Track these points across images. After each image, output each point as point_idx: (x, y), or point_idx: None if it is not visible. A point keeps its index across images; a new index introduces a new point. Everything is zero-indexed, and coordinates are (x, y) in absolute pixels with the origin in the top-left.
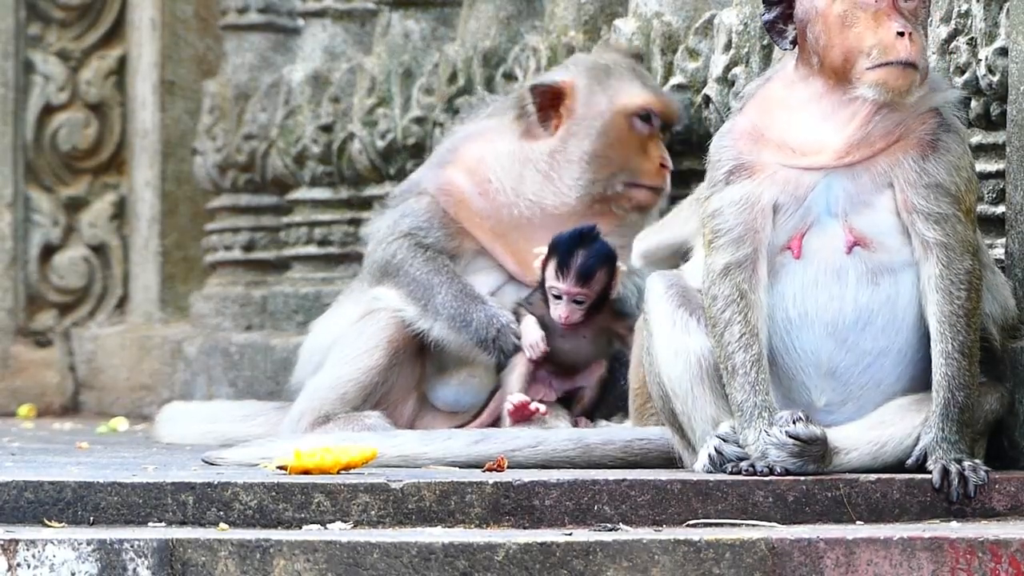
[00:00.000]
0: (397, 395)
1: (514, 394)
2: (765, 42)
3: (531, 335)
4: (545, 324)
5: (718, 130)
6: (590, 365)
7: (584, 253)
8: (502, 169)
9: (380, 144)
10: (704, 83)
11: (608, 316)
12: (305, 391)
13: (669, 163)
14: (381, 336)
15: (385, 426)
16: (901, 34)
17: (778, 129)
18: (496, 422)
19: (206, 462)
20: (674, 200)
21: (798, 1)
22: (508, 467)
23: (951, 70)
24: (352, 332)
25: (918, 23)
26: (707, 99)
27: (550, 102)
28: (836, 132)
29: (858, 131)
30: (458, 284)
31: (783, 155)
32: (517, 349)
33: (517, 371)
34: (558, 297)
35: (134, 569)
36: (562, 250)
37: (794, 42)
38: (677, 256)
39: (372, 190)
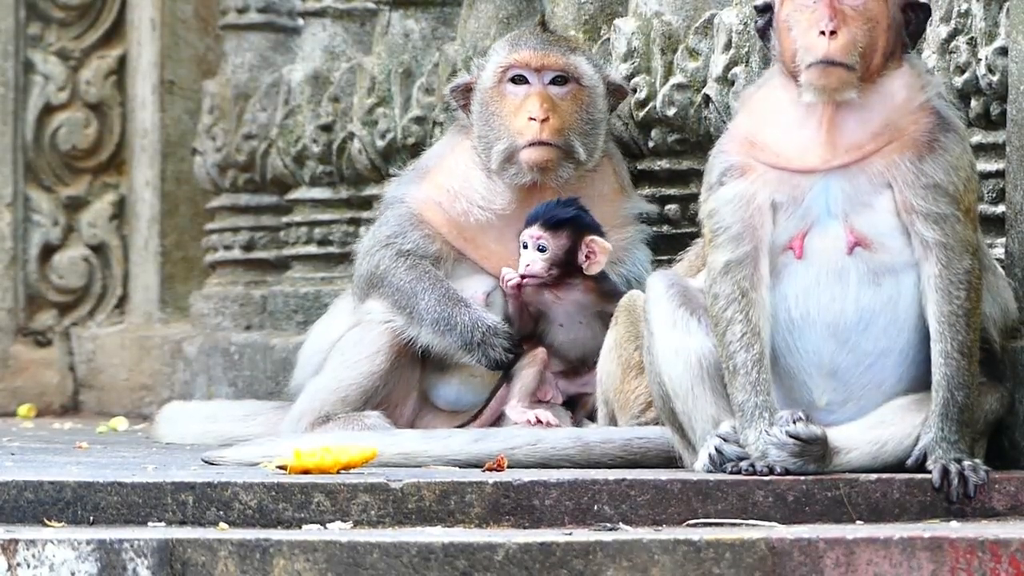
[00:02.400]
0: (398, 395)
1: (518, 411)
2: None
3: (509, 271)
4: (541, 317)
5: (716, 131)
6: (594, 367)
7: (555, 204)
8: (454, 176)
9: (380, 144)
10: (704, 83)
11: (600, 298)
12: (306, 392)
13: (539, 114)
14: (382, 341)
15: (385, 426)
16: (823, 33)
17: (766, 134)
18: (497, 422)
19: (206, 462)
20: (671, 199)
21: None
22: (507, 466)
23: (951, 70)
24: (353, 335)
25: (863, 17)
26: (707, 99)
27: (469, 101)
28: (812, 137)
29: (829, 134)
30: (441, 288)
31: (774, 158)
32: (507, 352)
33: (524, 379)
34: (525, 247)
35: (134, 569)
36: (538, 207)
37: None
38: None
39: (372, 190)
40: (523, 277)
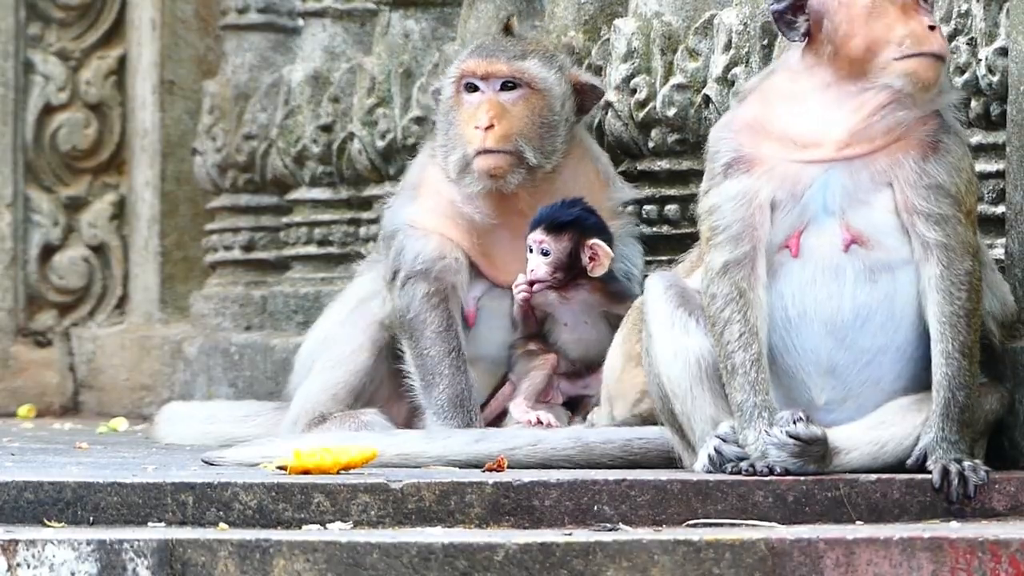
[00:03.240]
0: (390, 393)
1: (521, 409)
2: (765, 42)
3: (520, 280)
4: (546, 316)
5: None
6: (598, 369)
7: (559, 206)
8: (440, 183)
9: (380, 144)
10: (704, 83)
11: (607, 299)
12: (298, 394)
13: (483, 122)
14: (363, 337)
15: (383, 423)
16: (933, 27)
17: (779, 120)
18: (498, 420)
19: (205, 462)
20: (671, 199)
21: None
22: (507, 466)
23: (951, 70)
24: (335, 333)
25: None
26: (707, 99)
27: None
28: (839, 121)
29: (862, 121)
30: (460, 383)
31: (783, 148)
32: None
33: (533, 379)
34: (530, 251)
35: (134, 569)
36: (542, 209)
37: (806, 33)
38: None
39: (372, 190)
40: (530, 283)
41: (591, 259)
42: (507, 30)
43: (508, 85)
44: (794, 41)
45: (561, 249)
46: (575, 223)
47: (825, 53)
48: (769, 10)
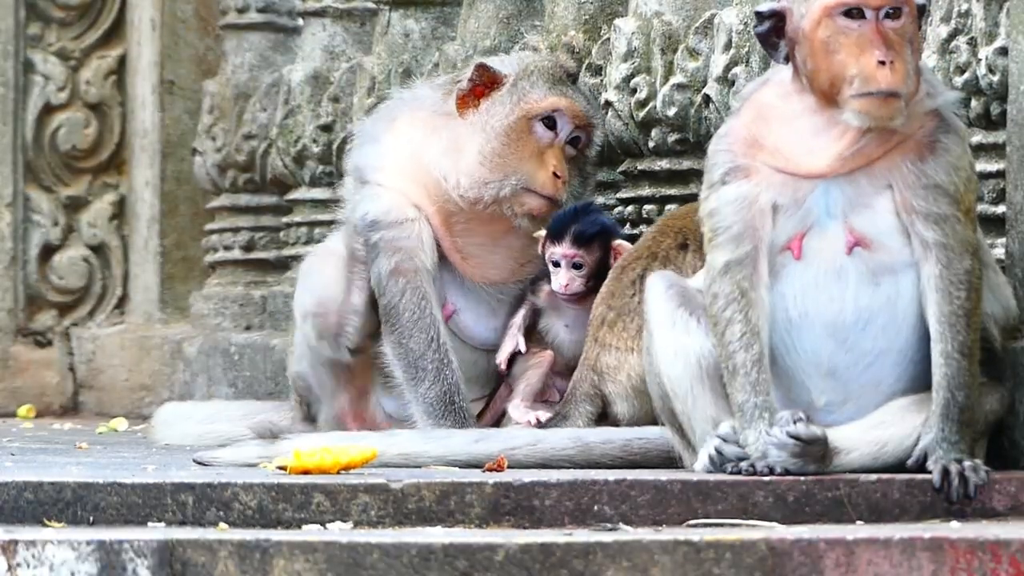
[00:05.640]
0: (352, 393)
1: (520, 410)
2: None
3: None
4: (546, 313)
5: (716, 131)
6: None
7: (581, 218)
8: (414, 137)
9: None
10: (704, 83)
11: None
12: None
13: (563, 173)
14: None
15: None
16: (883, 63)
17: (773, 137)
18: (498, 422)
19: (198, 463)
20: (672, 200)
21: (788, 17)
22: (507, 466)
23: (951, 70)
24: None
25: (905, 41)
26: (707, 99)
27: (483, 88)
28: (829, 146)
29: (850, 147)
30: (447, 378)
31: (778, 162)
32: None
33: (530, 379)
34: (556, 264)
35: (134, 569)
36: (559, 219)
37: (787, 58)
38: None
39: None
40: (565, 296)
41: (615, 259)
42: (574, 79)
43: (576, 139)
44: (779, 63)
45: (593, 260)
46: (601, 231)
47: (804, 82)
48: (754, 31)
